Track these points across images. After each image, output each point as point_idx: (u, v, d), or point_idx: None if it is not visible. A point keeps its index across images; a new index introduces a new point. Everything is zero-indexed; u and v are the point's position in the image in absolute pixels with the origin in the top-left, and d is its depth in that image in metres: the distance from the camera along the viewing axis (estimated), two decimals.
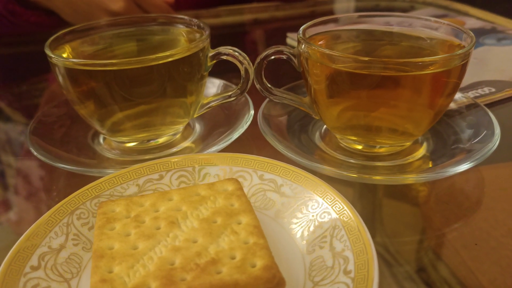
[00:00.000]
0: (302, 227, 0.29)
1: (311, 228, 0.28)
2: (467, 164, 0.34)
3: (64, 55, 0.39)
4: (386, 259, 0.30)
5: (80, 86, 0.36)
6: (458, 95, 0.43)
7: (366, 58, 0.32)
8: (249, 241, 0.24)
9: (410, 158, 0.38)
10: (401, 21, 0.40)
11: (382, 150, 0.39)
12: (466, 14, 0.74)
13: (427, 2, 0.82)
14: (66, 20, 0.67)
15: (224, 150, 0.38)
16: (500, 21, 0.68)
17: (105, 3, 0.64)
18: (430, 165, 0.37)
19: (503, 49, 0.58)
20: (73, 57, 0.39)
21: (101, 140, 0.42)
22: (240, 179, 0.32)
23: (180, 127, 0.42)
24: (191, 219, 0.26)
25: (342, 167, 0.36)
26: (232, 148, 0.39)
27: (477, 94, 0.47)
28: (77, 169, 0.36)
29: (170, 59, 0.35)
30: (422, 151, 0.39)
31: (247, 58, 0.37)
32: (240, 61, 0.37)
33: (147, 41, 0.43)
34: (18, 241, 0.26)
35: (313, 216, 0.29)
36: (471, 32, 0.35)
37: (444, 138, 0.39)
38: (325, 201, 0.29)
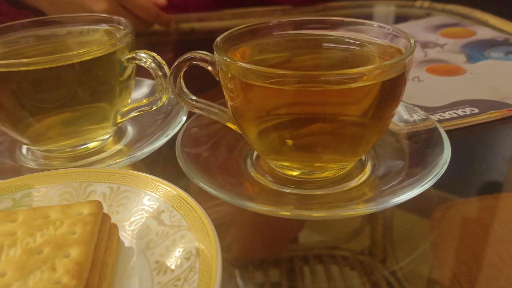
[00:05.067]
0: (167, 263, 0.24)
1: (172, 266, 0.24)
2: (417, 189, 0.29)
3: None
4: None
5: None
6: (418, 116, 0.36)
7: (282, 72, 0.28)
8: (61, 281, 0.20)
9: (354, 183, 0.33)
10: (346, 28, 0.34)
11: (321, 175, 0.34)
12: (485, 23, 0.66)
13: (446, 10, 0.74)
14: None
15: (153, 155, 0.36)
16: None
17: (87, 5, 0.63)
18: (375, 193, 0.32)
19: (507, 64, 0.50)
20: None
21: (23, 148, 0.39)
22: (124, 200, 0.29)
23: (107, 132, 0.39)
24: (18, 247, 0.22)
25: (273, 203, 0.30)
26: (166, 155, 0.36)
27: (455, 115, 0.40)
28: None
29: (76, 61, 0.32)
30: (365, 174, 0.33)
31: (165, 67, 0.34)
32: (152, 69, 0.33)
33: (65, 43, 0.40)
34: None
35: (179, 252, 0.24)
36: (413, 40, 0.29)
37: (391, 162, 0.34)
38: (197, 239, 0.24)
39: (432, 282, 0.28)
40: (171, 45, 0.76)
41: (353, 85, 0.28)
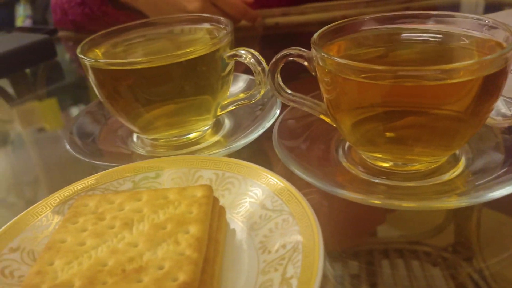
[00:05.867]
0: (270, 244, 0.27)
1: (276, 247, 0.26)
2: None
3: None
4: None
5: (105, 87, 0.38)
6: None
7: (376, 67, 0.29)
8: (185, 253, 0.23)
9: (447, 176, 0.33)
10: (439, 21, 0.34)
11: (413, 168, 0.34)
12: None
13: None
14: None
15: (249, 146, 0.38)
16: None
17: (182, 4, 0.67)
18: (469, 187, 0.32)
19: None
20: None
21: (134, 137, 0.44)
22: (228, 185, 0.32)
23: (207, 124, 0.42)
24: (145, 222, 0.26)
25: (364, 192, 0.31)
26: (258, 145, 0.38)
27: None
28: (107, 164, 0.38)
29: (183, 59, 0.36)
30: (459, 169, 0.33)
31: (263, 62, 0.36)
32: (252, 64, 0.36)
33: (173, 41, 0.44)
34: (7, 224, 0.29)
35: (282, 234, 0.27)
36: None
37: (487, 157, 0.33)
38: (298, 223, 0.27)
39: None
40: (257, 39, 0.78)
41: (450, 81, 0.28)
